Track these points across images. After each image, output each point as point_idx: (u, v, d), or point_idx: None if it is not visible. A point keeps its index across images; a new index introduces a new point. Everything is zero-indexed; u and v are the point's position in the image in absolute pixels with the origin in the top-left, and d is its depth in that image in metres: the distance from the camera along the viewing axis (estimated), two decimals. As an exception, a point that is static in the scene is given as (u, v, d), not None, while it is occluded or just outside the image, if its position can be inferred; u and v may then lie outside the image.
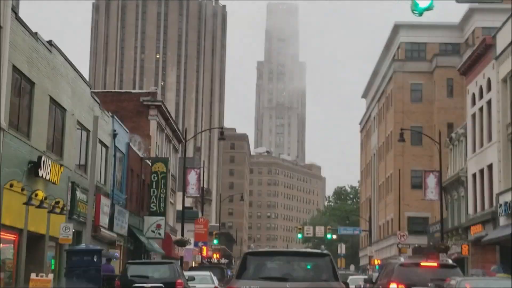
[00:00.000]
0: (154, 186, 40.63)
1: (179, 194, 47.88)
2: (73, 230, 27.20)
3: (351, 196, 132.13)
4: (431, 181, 40.45)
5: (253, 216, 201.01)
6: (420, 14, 15.17)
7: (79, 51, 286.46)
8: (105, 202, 31.19)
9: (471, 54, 41.08)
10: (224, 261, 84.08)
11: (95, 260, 14.95)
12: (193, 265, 55.06)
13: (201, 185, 47.89)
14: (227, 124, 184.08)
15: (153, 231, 40.53)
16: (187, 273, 25.32)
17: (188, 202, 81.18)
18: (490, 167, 37.88)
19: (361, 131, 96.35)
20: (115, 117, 33.72)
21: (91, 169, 13.80)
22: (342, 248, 77.48)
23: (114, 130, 33.30)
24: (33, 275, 20.50)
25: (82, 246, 17.20)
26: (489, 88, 38.23)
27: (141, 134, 43.93)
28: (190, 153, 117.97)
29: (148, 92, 45.99)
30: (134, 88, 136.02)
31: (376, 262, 64.00)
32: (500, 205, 34.97)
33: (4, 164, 19.10)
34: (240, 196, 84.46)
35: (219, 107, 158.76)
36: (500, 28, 36.33)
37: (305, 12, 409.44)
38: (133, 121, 43.85)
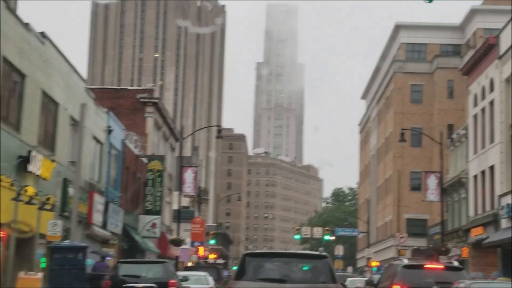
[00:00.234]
0: (149, 185, 39.90)
1: (176, 194, 47.18)
2: (65, 228, 26.52)
3: (349, 197, 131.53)
4: (432, 182, 39.81)
5: (250, 216, 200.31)
6: (430, 1, 14.70)
7: (77, 49, 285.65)
8: (98, 199, 30.49)
9: (474, 54, 40.47)
10: (221, 261, 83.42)
11: (79, 258, 14.13)
12: (189, 265, 54.38)
13: (198, 184, 47.23)
14: (225, 124, 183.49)
15: (148, 230, 39.79)
16: (181, 273, 24.62)
17: (185, 202, 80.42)
18: (492, 168, 37.24)
19: (360, 132, 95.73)
20: (110, 113, 33.00)
21: (78, 161, 13.11)
22: (340, 250, 76.81)
23: (109, 126, 32.59)
24: (21, 274, 19.81)
25: (66, 242, 16.41)
26: (491, 88, 37.60)
27: (138, 132, 43.20)
28: (188, 153, 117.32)
29: (145, 89, 45.27)
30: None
31: (373, 264, 63.30)
32: (502, 207, 34.33)
33: (-8, 158, 18.42)
34: (238, 196, 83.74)
35: (218, 107, 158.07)
36: (503, 28, 35.71)
37: (304, 13, 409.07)
38: (129, 118, 43.09)
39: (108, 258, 29.52)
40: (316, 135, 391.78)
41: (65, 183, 25.68)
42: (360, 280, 34.70)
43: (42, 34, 23.15)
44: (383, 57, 75.95)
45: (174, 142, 53.68)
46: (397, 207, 57.06)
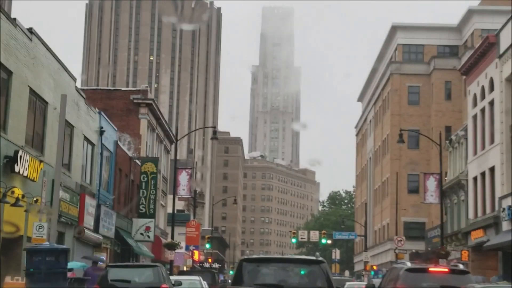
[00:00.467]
0: (143, 187, 39.04)
1: (171, 197, 46.36)
2: (56, 231, 25.68)
3: (345, 201, 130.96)
4: (431, 184, 39.07)
5: (246, 220, 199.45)
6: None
7: (72, 51, 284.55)
8: (90, 202, 29.69)
9: (473, 53, 39.79)
10: (216, 265, 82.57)
11: (59, 261, 13.29)
12: (184, 269, 53.56)
13: (193, 186, 46.44)
14: (221, 127, 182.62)
15: (142, 234, 38.94)
16: (173, 278, 23.82)
17: (180, 205, 79.68)
18: (492, 169, 36.54)
19: (357, 135, 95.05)
20: (102, 113, 32.22)
21: (58, 156, 12.35)
22: (336, 254, 76.05)
23: (101, 127, 31.81)
24: (7, 279, 19.03)
25: (46, 244, 15.60)
26: (491, 88, 36.92)
27: (131, 134, 42.42)
28: (183, 155, 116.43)
29: (139, 90, 44.46)
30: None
31: (370, 267, 62.54)
32: (503, 209, 33.62)
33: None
34: (234, 199, 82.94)
35: (213, 110, 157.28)
36: (503, 26, 35.03)
37: (300, 16, 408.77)
38: (123, 119, 42.36)
39: (101, 263, 28.72)
40: (312, 138, 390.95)
41: (55, 184, 24.85)
42: (359, 285, 33.87)
43: (30, 30, 22.38)
44: (380, 58, 75.32)
45: (169, 144, 52.89)
46: (395, 210, 56.23)
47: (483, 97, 38.46)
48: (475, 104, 40.05)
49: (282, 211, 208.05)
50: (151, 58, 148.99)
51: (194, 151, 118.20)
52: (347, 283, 34.52)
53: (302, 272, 12.07)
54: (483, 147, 38.30)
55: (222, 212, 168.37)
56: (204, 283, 26.33)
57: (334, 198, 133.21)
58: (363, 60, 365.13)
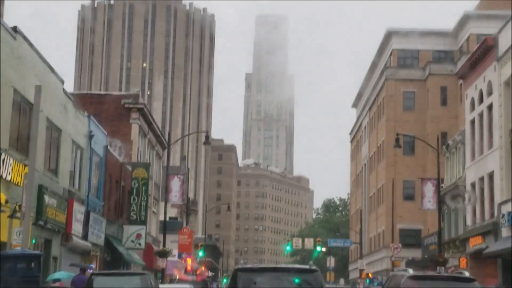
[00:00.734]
0: (134, 193, 38.09)
1: (163, 204, 45.41)
2: (42, 238, 24.76)
3: (340, 208, 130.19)
4: (429, 189, 38.27)
5: (240, 228, 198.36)
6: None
7: (64, 58, 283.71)
8: (78, 208, 28.76)
9: (470, 56, 39.09)
10: (210, 273, 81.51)
11: (32, 267, 12.38)
12: (177, 277, 52.55)
13: (185, 192, 45.51)
14: (215, 135, 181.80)
15: (133, 241, 37.97)
16: (163, 286, 22.91)
17: (173, 213, 78.63)
18: (491, 175, 35.79)
19: (351, 141, 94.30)
20: (91, 117, 31.31)
21: (32, 150, 11.47)
22: (331, 261, 75.10)
23: (90, 131, 30.91)
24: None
25: (17, 250, 14.67)
26: (490, 92, 36.22)
27: (122, 139, 41.48)
28: (176, 163, 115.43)
29: (130, 94, 43.57)
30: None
31: (365, 275, 61.65)
32: (503, 215, 32.86)
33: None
34: (227, 206, 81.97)
35: (207, 117, 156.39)
36: (502, 28, 34.36)
37: (294, 23, 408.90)
38: (114, 125, 41.42)
39: (89, 271, 27.77)
40: (306, 146, 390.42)
41: (41, 189, 23.97)
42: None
43: (14, 29, 21.51)
44: (374, 64, 74.67)
45: (161, 150, 51.96)
46: (392, 217, 55.40)
47: (481, 101, 37.76)
48: (472, 108, 39.34)
49: (276, 219, 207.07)
50: (144, 65, 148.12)
51: (187, 158, 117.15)
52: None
53: (296, 281, 12.14)
54: (481, 152, 37.57)
55: (215, 220, 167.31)
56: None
57: (328, 205, 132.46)
58: (357, 67, 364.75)
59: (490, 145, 36.07)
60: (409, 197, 63.63)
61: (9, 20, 21.40)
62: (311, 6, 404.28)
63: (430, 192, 38.34)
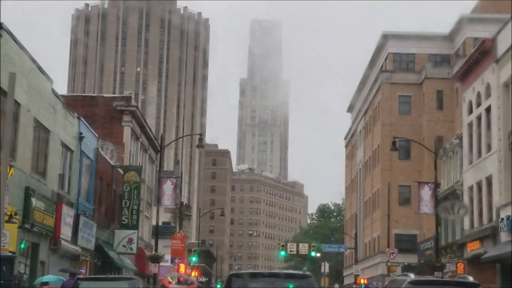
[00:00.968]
0: (126, 197, 37.33)
1: (156, 209, 44.65)
2: (28, 242, 24.03)
3: (334, 214, 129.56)
4: (426, 193, 37.59)
5: (234, 234, 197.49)
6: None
7: (57, 62, 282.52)
8: (67, 211, 28.00)
9: (468, 58, 38.49)
10: (203, 279, 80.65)
11: (3, 271, 11.68)
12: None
13: (179, 196, 44.75)
14: (209, 140, 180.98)
15: (124, 246, 37.21)
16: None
17: (166, 217, 77.85)
18: (489, 179, 35.15)
19: (346, 146, 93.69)
20: (81, 118, 30.57)
21: (4, 146, 10.73)
22: (326, 267, 74.36)
23: (80, 133, 30.17)
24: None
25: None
26: (488, 94, 35.61)
27: (114, 142, 40.79)
28: (170, 167, 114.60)
29: (122, 97, 42.83)
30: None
31: (362, 281, 60.96)
32: (502, 219, 32.20)
33: None
34: (221, 211, 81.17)
35: (201, 122, 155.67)
36: (501, 29, 33.78)
37: (288, 28, 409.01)
38: (105, 127, 40.75)
39: (79, 276, 27.00)
40: (301, 151, 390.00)
41: (28, 192, 23.22)
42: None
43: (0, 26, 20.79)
44: (370, 67, 74.12)
45: (154, 154, 51.19)
46: (387, 222, 54.71)
47: (479, 103, 37.16)
48: (470, 111, 38.73)
49: (270, 224, 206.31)
50: (138, 70, 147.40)
51: (181, 162, 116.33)
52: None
53: (290, 287, 12.32)
54: (479, 155, 36.94)
55: (209, 225, 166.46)
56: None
57: (323, 211, 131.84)
58: (352, 71, 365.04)
59: (488, 148, 35.45)
60: (405, 202, 63.04)
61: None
62: (305, 11, 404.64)
63: (427, 196, 37.68)
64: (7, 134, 10.03)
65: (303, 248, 67.13)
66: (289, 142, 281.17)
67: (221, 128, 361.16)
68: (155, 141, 48.96)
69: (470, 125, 38.83)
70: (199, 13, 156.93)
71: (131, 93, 43.14)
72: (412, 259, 54.87)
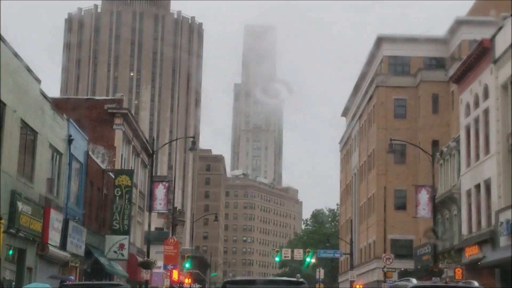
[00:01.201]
0: (117, 201, 36.44)
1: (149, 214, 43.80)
2: (14, 247, 23.24)
3: (329, 219, 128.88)
4: (423, 197, 36.91)
5: (228, 240, 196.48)
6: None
7: (50, 67, 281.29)
8: (56, 216, 27.17)
9: (465, 59, 37.91)
10: (197, 286, 79.75)
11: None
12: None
13: (171, 201, 43.94)
14: (203, 145, 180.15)
15: (115, 252, 36.31)
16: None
17: (160, 223, 76.98)
18: (487, 182, 34.50)
19: (341, 151, 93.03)
20: (71, 120, 29.77)
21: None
22: (320, 273, 73.54)
23: (70, 135, 29.35)
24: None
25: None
26: (486, 95, 35.01)
27: (105, 145, 39.98)
28: (164, 172, 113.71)
29: (114, 99, 42.01)
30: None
31: (358, 287, 60.17)
32: (501, 223, 31.55)
33: None
34: (214, 216, 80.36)
35: (195, 127, 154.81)
36: (499, 29, 33.19)
37: (282, 33, 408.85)
38: (96, 130, 39.90)
39: (67, 283, 26.17)
40: (295, 156, 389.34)
41: (13, 195, 22.41)
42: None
43: (-16, 22, 20.01)
44: (365, 71, 73.54)
45: (146, 158, 50.34)
46: (384, 226, 54.00)
47: (476, 105, 36.55)
48: (468, 113, 38.12)
49: (265, 230, 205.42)
50: (131, 74, 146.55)
51: (174, 167, 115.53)
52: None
53: None
54: (477, 158, 36.31)
55: (203, 231, 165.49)
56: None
57: (317, 216, 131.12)
58: (347, 76, 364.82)
59: (487, 150, 34.82)
60: (401, 206, 62.37)
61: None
62: (299, 15, 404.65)
63: (425, 199, 36.99)
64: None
65: (298, 254, 66.34)
66: (283, 147, 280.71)
67: (215, 133, 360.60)
68: (148, 145, 48.12)
69: (467, 127, 38.21)
70: (193, 18, 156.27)
71: (122, 95, 42.31)
72: (409, 264, 54.14)
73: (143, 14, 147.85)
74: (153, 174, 40.40)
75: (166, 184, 37.15)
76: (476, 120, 36.59)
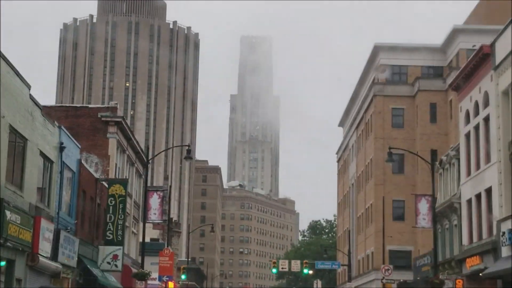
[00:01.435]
0: (111, 211, 35.63)
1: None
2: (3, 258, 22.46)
3: (326, 230, 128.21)
4: (423, 206, 36.20)
5: (225, 251, 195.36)
6: None
7: (46, 78, 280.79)
8: (46, 226, 26.35)
9: (465, 66, 37.30)
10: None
11: None
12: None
13: (166, 211, 43.12)
14: (199, 156, 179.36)
15: (109, 263, 35.45)
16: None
17: (155, 234, 76.00)
18: (488, 191, 33.80)
19: (338, 161, 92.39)
20: (62, 128, 29.03)
21: None
22: (318, 284, 72.76)
23: (61, 143, 28.59)
24: None
25: None
26: (486, 103, 34.38)
27: (99, 154, 39.22)
28: (160, 183, 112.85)
29: (107, 107, 41.28)
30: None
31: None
32: (503, 233, 30.81)
33: None
34: (211, 227, 79.49)
35: (191, 138, 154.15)
36: (499, 35, 32.61)
37: (279, 44, 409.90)
38: (90, 139, 39.20)
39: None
40: (292, 167, 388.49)
41: (1, 204, 21.64)
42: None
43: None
44: (362, 80, 73.07)
45: (141, 168, 49.58)
46: (382, 237, 53.25)
47: (476, 113, 35.91)
48: (467, 121, 37.47)
49: (262, 242, 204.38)
50: (127, 84, 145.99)
51: (170, 178, 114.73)
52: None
53: None
54: (478, 167, 35.62)
55: (200, 243, 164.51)
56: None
57: (314, 227, 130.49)
58: (343, 86, 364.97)
59: (487, 159, 34.15)
60: (399, 217, 61.72)
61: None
62: (295, 26, 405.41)
63: (425, 209, 36.28)
64: None
65: (295, 266, 65.59)
66: (280, 158, 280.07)
67: (212, 144, 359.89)
68: (143, 154, 47.33)
69: (467, 135, 37.56)
70: (189, 28, 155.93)
71: (117, 103, 41.58)
72: (407, 276, 53.42)
73: (138, 23, 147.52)
74: (148, 184, 39.70)
75: (161, 194, 36.38)
76: (476, 128, 35.96)
